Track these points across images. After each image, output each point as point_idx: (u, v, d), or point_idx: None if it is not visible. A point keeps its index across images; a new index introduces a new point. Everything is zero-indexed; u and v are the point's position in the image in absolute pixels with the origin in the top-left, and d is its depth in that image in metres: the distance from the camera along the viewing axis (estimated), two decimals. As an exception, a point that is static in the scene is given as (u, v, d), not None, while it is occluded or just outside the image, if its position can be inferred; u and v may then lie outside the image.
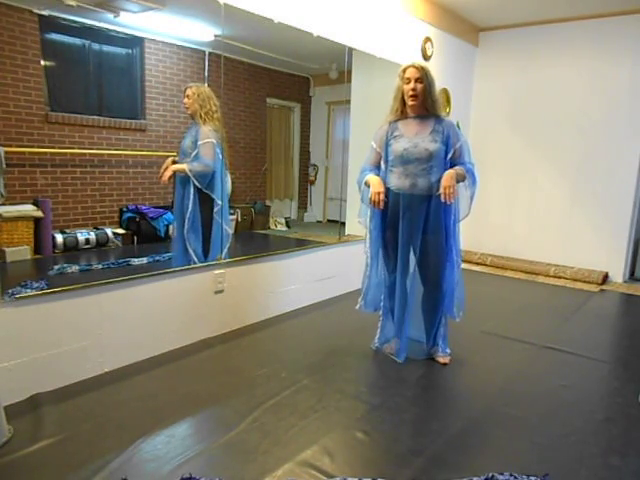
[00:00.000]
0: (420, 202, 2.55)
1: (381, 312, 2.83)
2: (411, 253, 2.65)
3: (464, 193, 2.62)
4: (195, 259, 3.02)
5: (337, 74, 5.03)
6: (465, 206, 2.65)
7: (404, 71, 2.53)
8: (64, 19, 3.37)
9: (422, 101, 2.53)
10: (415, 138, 2.53)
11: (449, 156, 2.56)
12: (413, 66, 2.52)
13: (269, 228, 5.23)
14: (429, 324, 2.74)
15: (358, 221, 2.81)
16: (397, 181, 2.58)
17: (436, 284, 2.65)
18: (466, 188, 2.59)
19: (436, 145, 2.52)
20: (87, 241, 3.47)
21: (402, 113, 2.61)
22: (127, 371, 2.50)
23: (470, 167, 2.57)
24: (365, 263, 2.78)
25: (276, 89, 5.33)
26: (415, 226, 2.57)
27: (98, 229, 3.61)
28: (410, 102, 2.52)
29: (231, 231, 3.07)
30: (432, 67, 4.64)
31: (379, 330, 2.87)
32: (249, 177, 5.15)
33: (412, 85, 2.49)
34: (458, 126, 2.78)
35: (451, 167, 2.53)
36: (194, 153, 3.01)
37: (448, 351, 2.77)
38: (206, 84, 3.30)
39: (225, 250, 3.06)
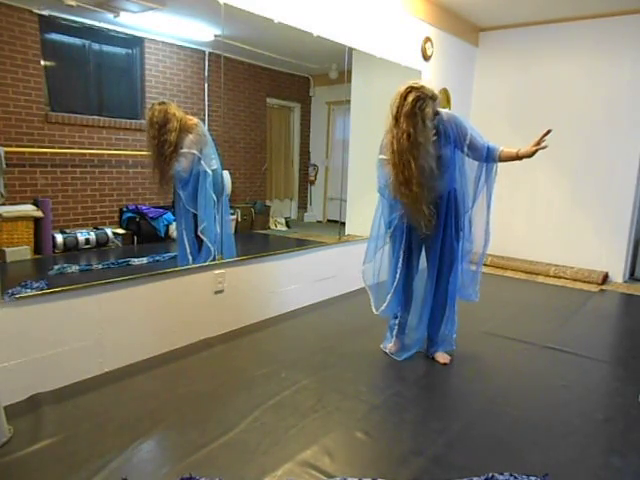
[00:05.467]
0: (434, 202, 2.54)
1: (399, 316, 2.81)
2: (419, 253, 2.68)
3: (474, 177, 2.61)
4: (190, 258, 3.07)
5: (337, 74, 5.03)
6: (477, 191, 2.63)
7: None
8: (64, 19, 3.37)
9: None
10: None
11: (465, 149, 2.51)
12: (414, 89, 2.34)
13: (269, 228, 5.22)
14: (430, 322, 2.73)
15: (375, 309, 2.77)
16: None
17: (447, 282, 2.65)
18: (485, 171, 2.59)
19: (445, 149, 2.49)
20: (87, 241, 3.47)
21: None
22: (127, 371, 2.50)
23: (493, 146, 2.52)
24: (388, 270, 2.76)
25: (276, 89, 5.33)
26: (431, 228, 2.55)
27: (98, 229, 3.61)
28: None
29: (212, 247, 3.06)
30: (432, 67, 4.69)
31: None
32: (249, 177, 5.15)
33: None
34: None
35: (469, 153, 2.51)
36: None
37: (451, 349, 2.77)
38: (206, 84, 3.30)
39: (209, 259, 3.05)
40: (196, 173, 3.07)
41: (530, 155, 2.44)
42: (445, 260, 2.61)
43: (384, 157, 2.51)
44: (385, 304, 2.74)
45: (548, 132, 2.38)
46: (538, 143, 2.41)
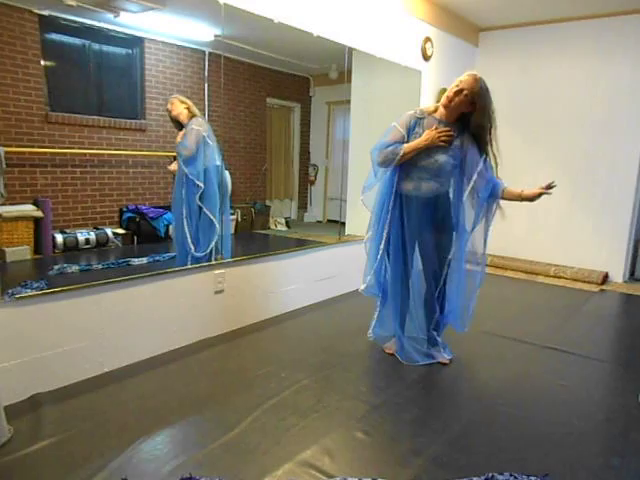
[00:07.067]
0: (426, 202, 2.54)
1: (379, 302, 2.81)
2: (416, 253, 2.66)
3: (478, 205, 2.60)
4: (192, 247, 3.11)
5: (337, 74, 5.03)
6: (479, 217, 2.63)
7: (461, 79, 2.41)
8: (64, 19, 3.37)
9: (455, 115, 2.45)
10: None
11: (473, 178, 2.48)
12: (471, 76, 2.38)
13: (269, 228, 5.23)
14: (428, 322, 2.74)
15: (361, 199, 2.70)
16: (405, 183, 2.56)
17: (437, 283, 2.65)
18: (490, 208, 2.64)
19: (445, 158, 2.47)
20: (87, 241, 3.47)
21: (435, 111, 2.51)
22: (127, 371, 2.50)
23: (498, 181, 2.55)
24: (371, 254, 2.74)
25: (276, 89, 5.33)
26: (422, 226, 2.56)
27: (98, 229, 3.61)
28: (441, 107, 2.46)
29: (217, 226, 3.11)
30: (432, 67, 4.68)
31: (375, 320, 2.84)
32: (249, 177, 5.15)
33: (453, 93, 2.38)
34: None
35: (477, 180, 2.50)
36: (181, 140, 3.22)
37: (449, 355, 2.75)
38: (206, 84, 3.33)
39: (212, 244, 3.07)
40: (206, 166, 3.15)
41: (533, 198, 2.49)
42: (436, 263, 2.61)
43: (398, 127, 2.53)
44: (364, 285, 2.75)
45: (552, 185, 2.41)
46: (544, 189, 2.43)
